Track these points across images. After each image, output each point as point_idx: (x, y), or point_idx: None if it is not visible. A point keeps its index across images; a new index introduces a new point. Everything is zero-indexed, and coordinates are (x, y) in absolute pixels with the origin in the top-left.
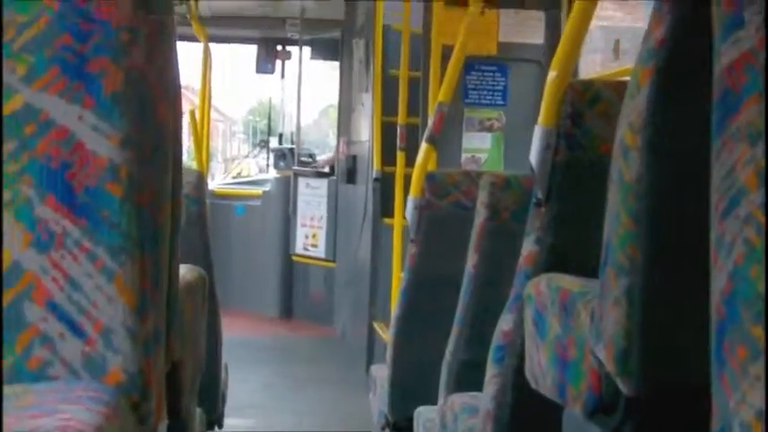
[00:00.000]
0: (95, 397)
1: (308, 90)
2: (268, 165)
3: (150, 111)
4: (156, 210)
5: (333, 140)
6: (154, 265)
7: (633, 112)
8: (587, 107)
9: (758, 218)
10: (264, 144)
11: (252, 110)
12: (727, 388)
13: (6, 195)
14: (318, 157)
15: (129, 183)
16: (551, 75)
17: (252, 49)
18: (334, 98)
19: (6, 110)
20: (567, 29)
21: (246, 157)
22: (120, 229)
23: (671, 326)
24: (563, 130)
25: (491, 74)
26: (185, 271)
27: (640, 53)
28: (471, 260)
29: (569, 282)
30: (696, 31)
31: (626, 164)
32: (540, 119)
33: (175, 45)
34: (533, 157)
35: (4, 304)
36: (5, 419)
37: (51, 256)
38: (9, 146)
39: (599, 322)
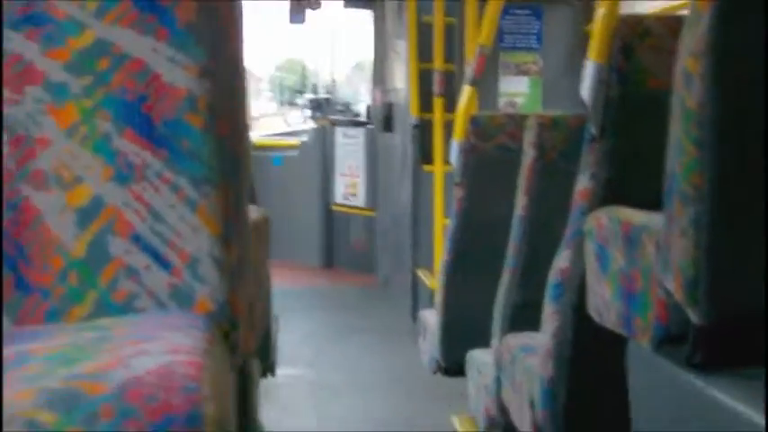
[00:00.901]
0: (191, 324)
1: (339, 45)
2: (305, 115)
3: (225, 41)
4: (236, 140)
5: (365, 96)
6: (235, 195)
7: (694, 39)
8: (638, 41)
9: None
10: (300, 95)
11: (279, 66)
12: None
13: (83, 130)
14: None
15: (208, 113)
16: (601, 10)
17: (276, 5)
18: (364, 54)
19: (78, 46)
20: None
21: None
22: (201, 159)
23: (739, 252)
24: (615, 65)
25: (525, 17)
26: (250, 211)
27: None
28: (521, 201)
29: (632, 214)
30: None
31: (688, 91)
32: (592, 54)
33: None
34: (586, 92)
35: (88, 238)
36: (107, 347)
37: (133, 189)
38: (82, 81)
39: (666, 252)
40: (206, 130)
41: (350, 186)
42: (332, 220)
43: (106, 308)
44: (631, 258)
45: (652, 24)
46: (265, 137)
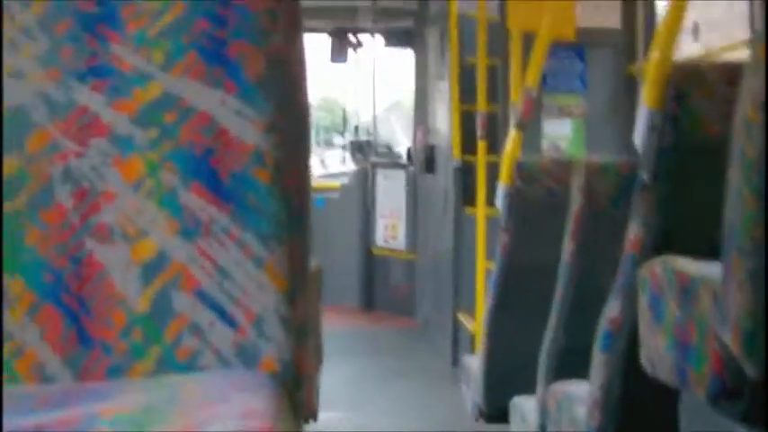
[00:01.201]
0: (260, 383)
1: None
2: (344, 158)
3: (293, 95)
4: (302, 195)
5: (401, 135)
6: (302, 251)
7: (755, 87)
8: (692, 88)
9: None
10: (339, 135)
11: (314, 106)
12: None
13: (149, 184)
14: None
15: (275, 168)
16: (654, 56)
17: (314, 43)
18: (400, 94)
19: (145, 98)
20: (669, 9)
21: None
22: (268, 214)
23: None
24: (669, 112)
25: (569, 59)
26: None
27: (759, 29)
28: (569, 248)
29: (687, 264)
30: None
31: (749, 140)
32: (645, 100)
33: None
34: (638, 139)
35: (152, 294)
36: (178, 410)
37: (199, 245)
38: (149, 134)
39: (723, 305)
40: (272, 184)
41: (390, 228)
42: (372, 262)
43: (169, 365)
44: (687, 309)
45: (706, 71)
46: None
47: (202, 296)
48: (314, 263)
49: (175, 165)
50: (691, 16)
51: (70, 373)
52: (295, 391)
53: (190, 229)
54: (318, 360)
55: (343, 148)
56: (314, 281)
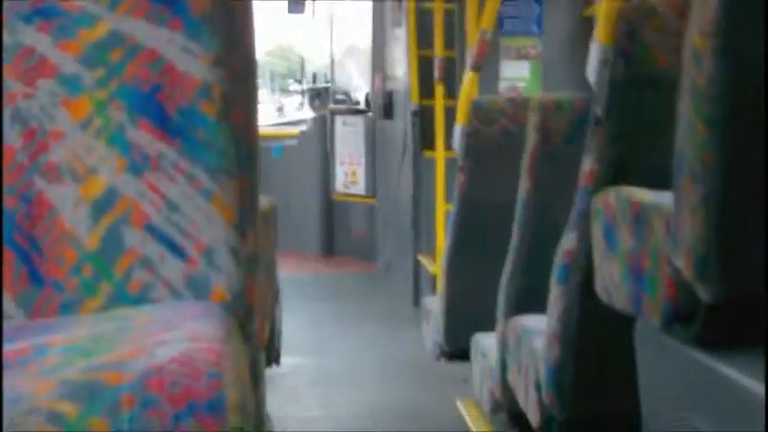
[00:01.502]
0: (210, 312)
1: (327, 30)
2: (302, 105)
3: (239, 31)
4: (249, 129)
5: (357, 80)
6: (250, 184)
7: (703, 17)
8: (643, 22)
9: None
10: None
11: (269, 52)
12: None
13: (96, 122)
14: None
15: (222, 102)
16: None
17: None
18: (355, 38)
19: (91, 38)
20: None
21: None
22: (216, 148)
23: (750, 229)
24: (620, 46)
25: (526, 2)
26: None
27: None
28: (524, 185)
29: (640, 193)
30: None
31: (697, 69)
32: (597, 36)
33: None
34: (591, 74)
35: (102, 230)
36: (127, 337)
37: (148, 179)
38: (96, 74)
39: (676, 231)
40: (220, 119)
41: (350, 175)
42: (333, 208)
43: (121, 299)
44: (640, 238)
45: (657, 5)
46: (265, 126)
47: (152, 230)
48: (268, 201)
49: (123, 102)
50: None
51: (23, 312)
52: (246, 320)
53: (138, 165)
54: (275, 299)
55: (301, 94)
56: (269, 218)
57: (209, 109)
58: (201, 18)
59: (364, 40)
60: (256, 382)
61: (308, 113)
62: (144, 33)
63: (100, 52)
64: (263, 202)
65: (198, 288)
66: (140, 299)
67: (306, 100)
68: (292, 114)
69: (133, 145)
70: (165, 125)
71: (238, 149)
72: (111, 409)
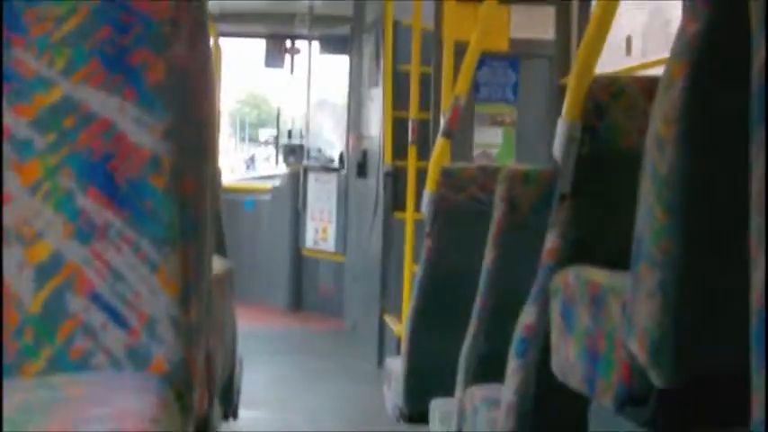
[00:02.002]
0: (145, 387)
1: (301, 85)
2: (272, 158)
3: (192, 103)
4: (198, 201)
5: (330, 136)
6: (196, 255)
7: (667, 104)
8: (611, 101)
9: None
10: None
11: (240, 101)
12: None
13: (45, 187)
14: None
15: (171, 174)
16: (575, 69)
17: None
18: (328, 93)
19: (45, 102)
20: (591, 23)
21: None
22: (163, 220)
23: (704, 318)
24: (587, 124)
25: (502, 69)
26: (214, 262)
27: (674, 47)
28: (489, 255)
29: (598, 274)
30: (732, 24)
31: (660, 156)
32: (565, 112)
33: (209, 41)
34: (557, 150)
35: (45, 295)
36: (57, 410)
37: (94, 247)
38: (48, 138)
39: (631, 315)
40: (168, 191)
41: (321, 231)
42: (301, 263)
43: (61, 365)
44: (597, 319)
45: (626, 84)
46: (238, 181)
47: (96, 298)
48: (225, 265)
49: (73, 169)
50: (626, 30)
51: None
52: (186, 392)
53: (85, 233)
54: (231, 359)
55: (267, 143)
56: (224, 282)
57: (157, 181)
58: (155, 89)
59: (339, 97)
60: None
61: (281, 168)
62: (98, 102)
63: (53, 118)
64: (219, 265)
65: (138, 358)
66: (80, 366)
67: (275, 150)
68: (265, 168)
69: (81, 212)
70: (113, 194)
71: (185, 222)
72: None
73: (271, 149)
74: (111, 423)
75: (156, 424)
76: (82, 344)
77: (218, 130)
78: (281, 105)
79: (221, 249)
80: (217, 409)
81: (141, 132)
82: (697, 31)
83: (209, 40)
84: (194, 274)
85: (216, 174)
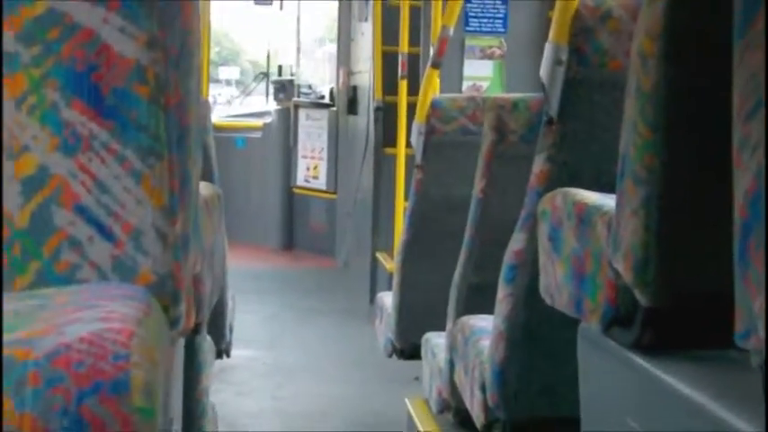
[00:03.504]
0: (130, 295)
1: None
2: (268, 96)
3: (176, 13)
4: (183, 112)
5: (323, 72)
6: (182, 167)
7: (651, 19)
8: (599, 24)
9: None
10: (264, 76)
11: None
12: (751, 289)
13: (31, 100)
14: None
15: (156, 84)
16: None
17: None
18: (321, 31)
19: (28, 15)
20: None
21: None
22: (148, 130)
23: (689, 234)
24: (574, 47)
25: (492, 1)
26: (202, 187)
27: None
28: (479, 184)
29: (585, 195)
30: None
31: (644, 72)
32: (551, 35)
33: None
34: (544, 73)
35: (32, 209)
36: (44, 315)
37: (79, 159)
38: (32, 51)
39: (616, 233)
40: (153, 100)
41: (312, 169)
42: (293, 202)
43: (48, 278)
44: (583, 240)
45: (612, 7)
46: (228, 118)
47: (81, 211)
48: (213, 190)
49: (58, 81)
50: None
51: None
52: (172, 304)
53: (70, 145)
54: (221, 291)
55: (229, 83)
56: (212, 206)
57: (142, 90)
58: None
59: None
60: (194, 370)
61: (272, 105)
62: (82, 12)
63: (38, 30)
64: (207, 189)
65: (124, 270)
66: (67, 279)
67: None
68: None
69: (66, 124)
70: (98, 106)
71: (170, 132)
72: (17, 384)
73: (233, 90)
74: (96, 324)
75: (141, 326)
76: (68, 257)
77: (202, 47)
78: (270, 44)
79: (210, 179)
80: (210, 345)
81: (125, 42)
82: None
83: None
84: (180, 186)
85: (205, 106)
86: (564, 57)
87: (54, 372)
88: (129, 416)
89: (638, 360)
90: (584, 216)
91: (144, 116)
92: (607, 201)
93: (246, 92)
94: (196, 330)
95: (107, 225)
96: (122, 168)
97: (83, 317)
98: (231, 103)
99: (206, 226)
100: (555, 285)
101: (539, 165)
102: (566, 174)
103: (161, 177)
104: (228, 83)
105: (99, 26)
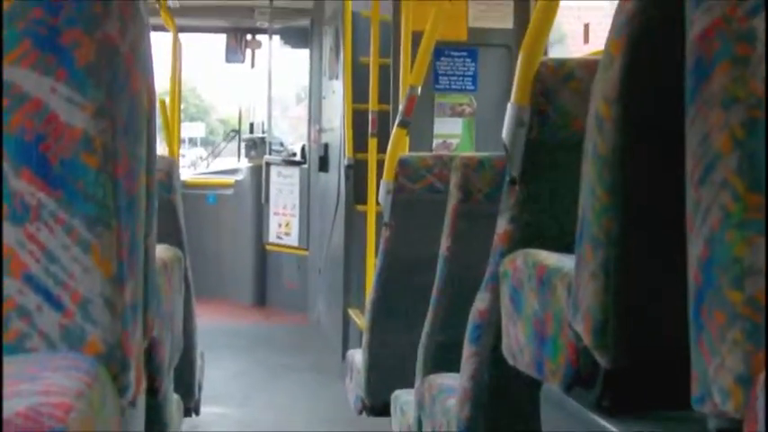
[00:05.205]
0: (75, 365)
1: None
2: (240, 154)
3: (124, 82)
4: (132, 181)
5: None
6: (130, 236)
7: (607, 83)
8: (560, 85)
9: (733, 183)
10: (235, 134)
11: (162, 93)
12: (705, 354)
13: None
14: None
15: (104, 153)
16: (523, 51)
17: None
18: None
19: None
20: (538, 7)
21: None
22: (95, 199)
23: (647, 297)
24: (536, 108)
25: (461, 59)
26: (161, 250)
27: (612, 25)
28: (445, 242)
29: (545, 257)
30: (667, 2)
31: (600, 136)
32: (513, 96)
33: (147, 22)
34: (506, 134)
35: None
36: None
37: (27, 229)
38: None
39: (576, 296)
40: (100, 170)
41: (284, 225)
42: (265, 258)
43: None
44: (544, 301)
45: (575, 67)
46: (200, 175)
47: (30, 280)
48: (174, 254)
49: (6, 151)
50: (583, 19)
51: None
52: (120, 372)
53: (19, 215)
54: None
55: (194, 143)
56: (172, 268)
57: (89, 160)
58: (86, 68)
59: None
60: (158, 429)
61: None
62: (30, 82)
63: None
64: (166, 252)
65: (73, 339)
66: (16, 348)
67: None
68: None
69: (14, 194)
70: (46, 176)
71: (119, 200)
72: None
73: (200, 151)
74: (35, 398)
75: (80, 399)
76: (17, 326)
77: (155, 116)
78: (241, 101)
79: (180, 244)
80: (178, 403)
81: (73, 112)
82: (633, 9)
83: (143, 19)
84: (128, 254)
85: (173, 165)
86: (526, 118)
87: None
88: None
89: (600, 421)
90: (545, 278)
91: (92, 186)
92: (567, 262)
93: (215, 153)
94: (156, 392)
95: (55, 294)
96: (70, 238)
97: (21, 390)
98: (196, 165)
99: (165, 289)
100: (517, 346)
101: (502, 225)
102: (528, 234)
103: (109, 246)
104: (192, 141)
105: (47, 96)
